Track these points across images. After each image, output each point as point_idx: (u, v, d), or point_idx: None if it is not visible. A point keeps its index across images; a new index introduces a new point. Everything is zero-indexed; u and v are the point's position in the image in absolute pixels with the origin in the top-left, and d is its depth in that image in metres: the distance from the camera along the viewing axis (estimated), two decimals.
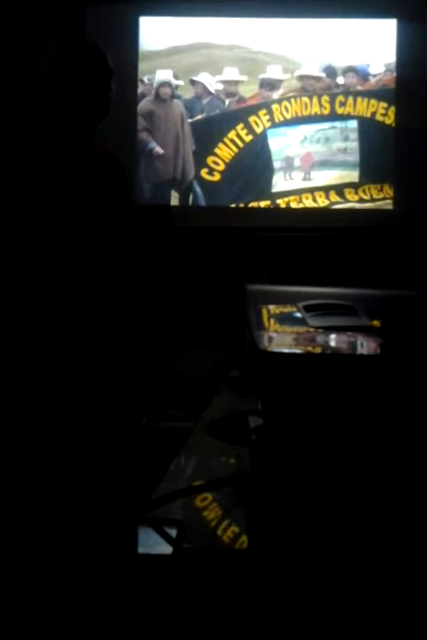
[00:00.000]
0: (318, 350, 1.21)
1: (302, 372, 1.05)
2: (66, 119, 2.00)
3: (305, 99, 3.88)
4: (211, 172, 3.91)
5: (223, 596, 0.86)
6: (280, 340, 1.31)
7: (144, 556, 0.96)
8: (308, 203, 3.88)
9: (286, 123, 3.89)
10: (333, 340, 1.23)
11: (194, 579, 0.88)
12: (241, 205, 3.91)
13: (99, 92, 2.03)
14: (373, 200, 3.87)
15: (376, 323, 1.38)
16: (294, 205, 3.88)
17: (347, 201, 3.88)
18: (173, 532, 0.98)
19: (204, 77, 3.90)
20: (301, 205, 3.88)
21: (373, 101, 3.85)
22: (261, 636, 0.84)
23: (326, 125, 3.89)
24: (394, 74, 3.84)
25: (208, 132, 3.91)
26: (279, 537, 0.96)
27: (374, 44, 3.83)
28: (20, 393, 1.87)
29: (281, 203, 3.88)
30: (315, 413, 1.02)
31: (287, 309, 1.48)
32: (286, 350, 1.19)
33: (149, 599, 0.85)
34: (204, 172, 3.91)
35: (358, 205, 3.88)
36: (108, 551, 0.94)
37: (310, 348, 1.23)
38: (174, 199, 3.95)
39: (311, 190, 3.89)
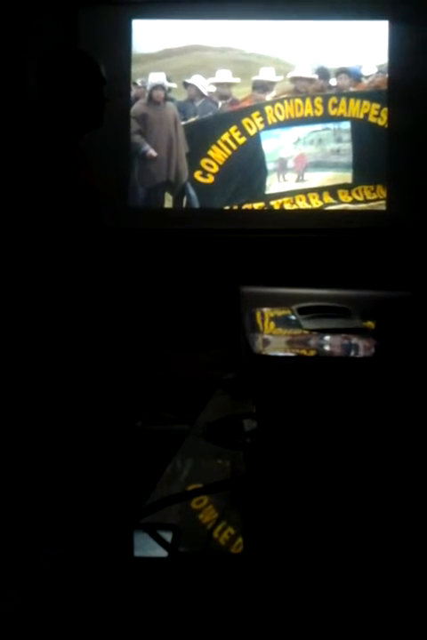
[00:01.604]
0: (312, 353, 1.22)
1: (296, 375, 1.05)
2: (53, 125, 1.99)
3: (298, 100, 3.88)
4: (204, 174, 3.92)
5: (219, 600, 0.86)
6: (274, 343, 1.32)
7: (139, 562, 0.96)
8: (301, 204, 3.89)
9: (280, 124, 3.89)
10: (327, 342, 1.24)
11: (189, 583, 0.88)
12: (235, 207, 3.91)
13: (90, 101, 2.02)
14: (366, 201, 3.88)
15: (370, 324, 1.39)
16: (287, 207, 3.88)
17: (340, 202, 3.89)
18: (168, 536, 0.98)
19: (197, 80, 3.90)
20: (294, 207, 3.88)
21: (365, 103, 3.86)
22: (257, 638, 0.84)
23: (319, 127, 3.90)
24: (386, 75, 3.85)
25: (201, 135, 3.91)
26: (275, 539, 0.96)
27: (366, 46, 3.84)
28: (9, 400, 1.87)
29: (275, 204, 3.89)
30: (309, 416, 1.03)
31: (281, 312, 1.48)
32: (280, 353, 1.19)
33: (144, 604, 0.85)
34: (197, 175, 3.92)
35: (351, 206, 3.89)
36: (104, 557, 0.94)
37: (304, 351, 1.24)
38: (168, 201, 3.95)
39: (305, 192, 3.89)
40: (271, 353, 1.20)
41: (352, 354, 1.25)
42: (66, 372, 1.89)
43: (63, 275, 1.89)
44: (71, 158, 1.98)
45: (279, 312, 1.50)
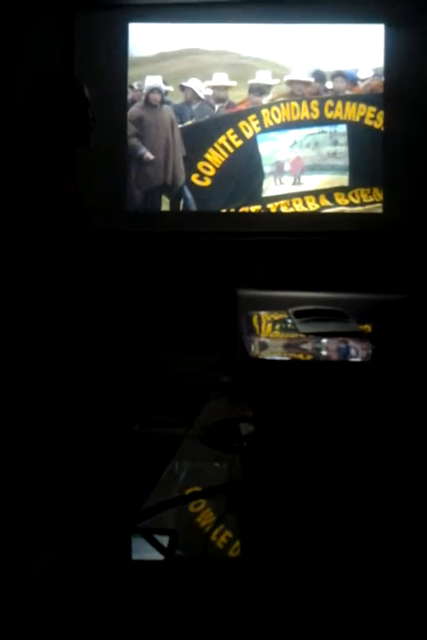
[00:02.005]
0: (309, 357, 1.22)
1: (292, 379, 1.05)
2: (38, 143, 2.06)
3: (294, 103, 3.89)
4: (201, 177, 3.92)
5: (216, 604, 0.86)
6: (271, 346, 1.32)
7: (136, 566, 0.96)
8: (298, 207, 3.89)
9: (276, 127, 3.90)
10: (323, 346, 1.24)
11: (186, 587, 0.88)
12: (232, 210, 3.92)
13: (74, 121, 2.10)
14: (362, 204, 3.89)
15: (367, 327, 1.39)
16: (284, 210, 3.89)
17: (337, 205, 3.89)
18: (165, 541, 0.98)
19: (193, 83, 3.91)
20: (291, 210, 3.89)
21: (361, 106, 3.87)
22: None
23: (315, 130, 3.90)
24: (382, 79, 3.86)
25: (198, 138, 3.92)
26: (272, 544, 0.97)
27: (362, 50, 3.85)
28: (6, 406, 1.87)
29: (272, 207, 3.89)
30: (306, 420, 1.03)
31: (278, 315, 1.49)
32: (276, 357, 1.19)
33: (141, 609, 0.85)
34: (194, 178, 3.92)
35: (348, 209, 3.89)
36: (101, 561, 0.94)
37: (300, 355, 1.24)
38: (165, 204, 3.95)
39: (302, 194, 3.90)
40: (268, 356, 1.20)
41: (349, 357, 1.25)
42: (63, 378, 1.90)
43: (53, 285, 1.92)
44: (57, 174, 2.03)
45: (276, 315, 1.50)
